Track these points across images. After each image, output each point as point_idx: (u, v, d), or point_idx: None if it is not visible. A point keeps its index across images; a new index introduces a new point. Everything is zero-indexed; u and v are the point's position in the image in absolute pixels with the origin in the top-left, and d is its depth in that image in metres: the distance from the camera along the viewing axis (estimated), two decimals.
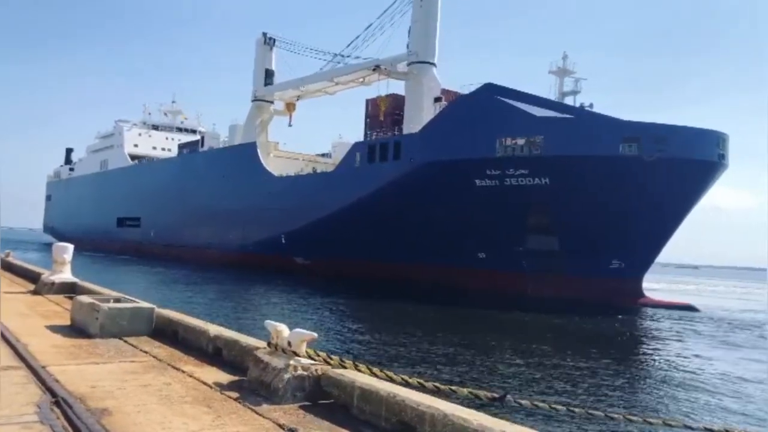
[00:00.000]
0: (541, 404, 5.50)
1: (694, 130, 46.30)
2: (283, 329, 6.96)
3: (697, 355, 26.58)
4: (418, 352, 22.82)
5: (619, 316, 39.13)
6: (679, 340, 31.36)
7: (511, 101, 48.92)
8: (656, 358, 26.39)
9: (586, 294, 44.12)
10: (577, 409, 5.51)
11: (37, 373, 7.21)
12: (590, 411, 5.50)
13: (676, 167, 44.16)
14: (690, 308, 48.25)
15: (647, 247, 48.16)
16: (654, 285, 67.90)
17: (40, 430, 5.25)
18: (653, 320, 40.42)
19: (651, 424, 5.27)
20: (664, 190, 44.70)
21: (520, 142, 47.78)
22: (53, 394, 6.32)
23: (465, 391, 5.66)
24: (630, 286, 47.63)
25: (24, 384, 6.69)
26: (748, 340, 33.37)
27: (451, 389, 5.66)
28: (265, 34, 78.43)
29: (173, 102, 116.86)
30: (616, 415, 5.38)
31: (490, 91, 50.42)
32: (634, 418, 5.33)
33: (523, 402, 5.54)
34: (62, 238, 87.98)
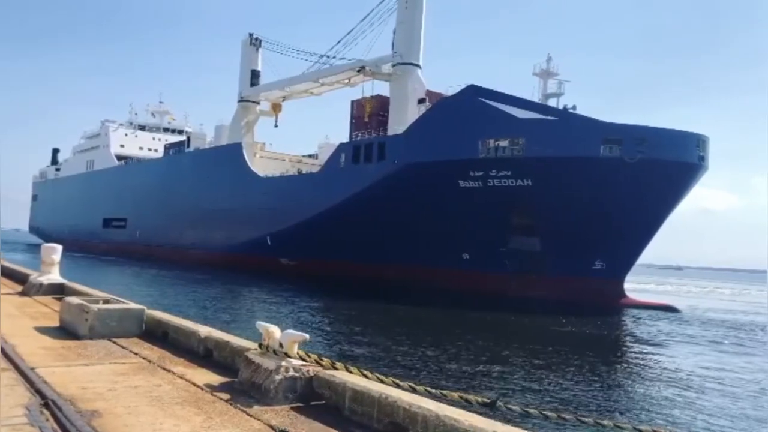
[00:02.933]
0: (531, 410, 5.55)
1: (675, 132, 46.76)
2: (275, 330, 6.98)
3: (680, 358, 26.82)
4: (405, 355, 22.83)
5: (602, 317, 39.34)
6: (662, 342, 31.59)
7: (493, 103, 49.12)
8: (642, 360, 26.53)
9: (568, 294, 44.36)
10: (567, 416, 5.55)
11: (25, 374, 7.18)
12: (580, 417, 5.55)
13: (656, 169, 44.55)
14: (670, 309, 48.71)
15: (629, 247, 48.54)
16: (644, 286, 68.64)
17: None
18: (635, 321, 40.69)
19: (640, 431, 5.32)
20: (645, 192, 45.05)
21: (503, 143, 47.99)
22: (42, 396, 6.30)
23: (456, 395, 5.71)
24: (612, 287, 47.96)
25: (12, 386, 6.65)
26: (728, 340, 33.71)
27: (442, 393, 5.71)
28: (251, 35, 78.16)
29: (160, 102, 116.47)
30: (606, 422, 5.44)
31: (473, 92, 50.60)
32: (624, 425, 5.40)
33: (513, 407, 5.59)
34: (48, 238, 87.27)
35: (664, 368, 24.13)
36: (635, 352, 28.26)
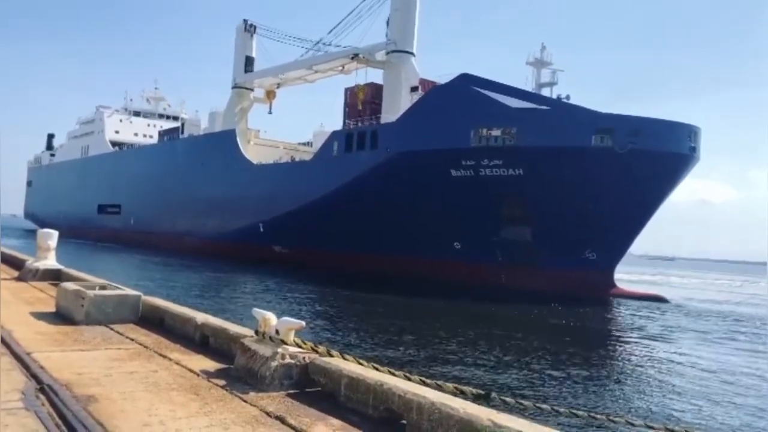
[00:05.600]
0: (525, 403, 5.59)
1: (667, 123, 46.77)
2: (271, 317, 7.01)
3: (673, 349, 26.97)
4: (397, 344, 22.88)
5: (592, 307, 39.54)
6: (651, 333, 31.78)
7: (486, 92, 48.88)
8: (630, 351, 26.72)
9: (559, 284, 44.46)
10: (560, 409, 5.60)
11: (21, 359, 7.20)
12: (573, 411, 5.58)
13: (648, 159, 44.56)
14: (660, 299, 48.96)
15: (619, 238, 48.66)
16: (633, 277, 68.91)
17: (25, 417, 5.24)
18: (624, 312, 40.90)
19: (633, 425, 5.39)
20: (637, 182, 45.08)
21: (495, 132, 47.92)
22: (38, 380, 6.32)
23: (450, 386, 5.73)
24: (602, 277, 48.14)
25: (8, 371, 6.67)
26: (718, 331, 33.99)
27: (437, 384, 5.74)
28: (245, 21, 77.60)
29: (156, 88, 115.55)
30: (599, 416, 5.49)
31: (465, 81, 50.34)
32: (617, 419, 5.46)
33: (507, 400, 5.63)
34: (43, 224, 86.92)
35: (652, 359, 24.37)
36: (623, 343, 28.43)
